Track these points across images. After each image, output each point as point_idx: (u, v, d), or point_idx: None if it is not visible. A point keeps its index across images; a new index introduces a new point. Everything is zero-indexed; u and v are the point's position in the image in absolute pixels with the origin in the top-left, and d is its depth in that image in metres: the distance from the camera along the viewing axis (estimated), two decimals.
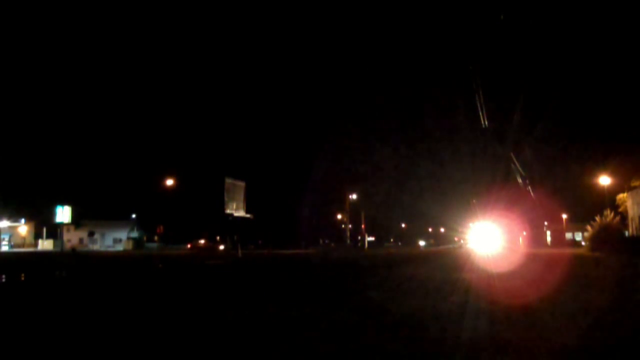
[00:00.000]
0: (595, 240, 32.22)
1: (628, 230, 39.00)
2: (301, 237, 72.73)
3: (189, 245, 53.18)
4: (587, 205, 47.46)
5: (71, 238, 67.27)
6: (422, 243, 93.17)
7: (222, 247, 44.64)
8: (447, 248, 64.38)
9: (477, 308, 6.94)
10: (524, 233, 63.31)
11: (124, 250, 58.03)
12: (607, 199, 39.91)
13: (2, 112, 64.88)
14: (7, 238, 63.57)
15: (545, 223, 65.69)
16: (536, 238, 63.19)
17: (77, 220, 67.18)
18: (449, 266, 18.48)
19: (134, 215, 73.47)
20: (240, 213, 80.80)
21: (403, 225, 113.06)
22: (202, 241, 55.04)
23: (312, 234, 78.20)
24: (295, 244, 67.14)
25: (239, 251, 41.52)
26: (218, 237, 58.80)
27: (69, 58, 79.57)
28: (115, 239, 70.03)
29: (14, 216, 63.69)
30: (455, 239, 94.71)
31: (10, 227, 64.71)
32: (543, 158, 45.94)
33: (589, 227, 35.01)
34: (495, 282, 11.22)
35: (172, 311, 7.41)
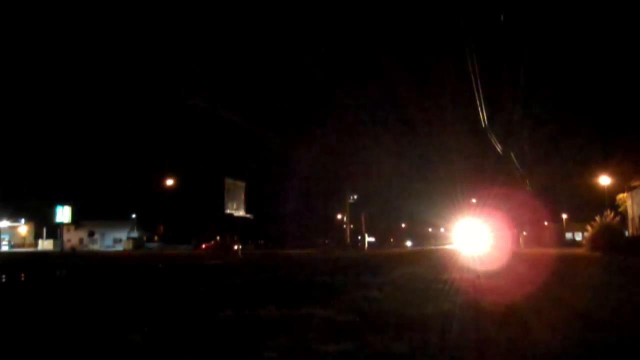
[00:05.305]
0: (595, 240, 32.20)
1: (628, 230, 38.98)
2: (301, 237, 72.72)
3: (203, 246, 52.71)
4: (587, 205, 47.44)
5: (71, 238, 67.23)
6: (409, 243, 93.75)
7: (236, 247, 44.16)
8: (435, 248, 64.40)
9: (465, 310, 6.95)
10: (524, 233, 63.36)
11: (124, 250, 58.05)
12: (607, 199, 39.86)
13: (2, 113, 64.86)
14: (7, 238, 63.57)
15: (545, 223, 65.67)
16: (536, 238, 63.21)
17: (77, 220, 67.14)
18: (439, 264, 18.50)
19: (134, 215, 73.45)
20: (240, 213, 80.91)
21: (403, 225, 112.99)
22: (214, 240, 54.26)
23: (312, 234, 78.17)
24: (295, 244, 67.16)
25: (239, 251, 41.57)
26: (218, 237, 58.66)
27: (69, 58, 79.40)
28: (115, 239, 69.99)
29: (14, 216, 63.66)
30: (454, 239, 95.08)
31: (10, 227, 64.70)
32: (542, 157, 45.91)
33: (589, 227, 34.98)
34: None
35: (169, 311, 7.41)
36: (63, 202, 61.57)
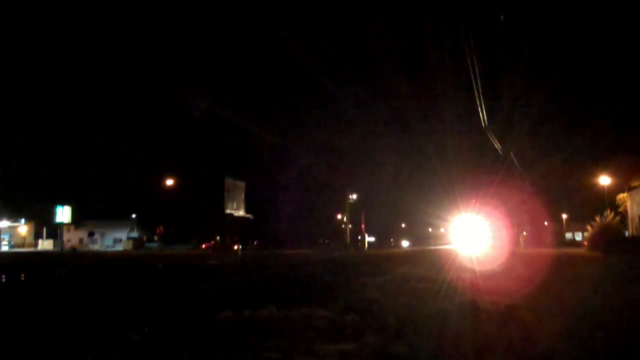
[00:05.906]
0: (595, 240, 32.18)
1: (628, 230, 38.99)
2: (301, 237, 72.70)
3: (203, 246, 52.64)
4: (587, 205, 47.43)
5: (71, 238, 67.24)
6: (405, 244, 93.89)
7: (236, 247, 44.25)
8: (434, 248, 64.44)
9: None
10: (524, 233, 63.30)
11: (124, 250, 58.08)
12: (607, 199, 39.87)
13: (2, 112, 64.85)
14: (7, 238, 63.56)
15: (545, 223, 65.67)
16: (536, 238, 63.14)
17: (77, 220, 67.15)
18: (439, 264, 18.51)
19: (134, 215, 73.44)
20: (240, 213, 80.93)
21: (403, 225, 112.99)
22: (214, 240, 54.26)
23: (312, 234, 78.17)
24: (295, 243, 67.11)
25: (239, 251, 41.62)
26: (218, 237, 58.65)
27: (70, 59, 79.47)
28: (115, 239, 69.96)
29: (14, 216, 63.64)
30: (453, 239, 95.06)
31: (10, 227, 64.68)
32: (542, 157, 45.83)
33: (589, 227, 34.98)
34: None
35: (169, 311, 7.42)
36: (63, 202, 61.61)
